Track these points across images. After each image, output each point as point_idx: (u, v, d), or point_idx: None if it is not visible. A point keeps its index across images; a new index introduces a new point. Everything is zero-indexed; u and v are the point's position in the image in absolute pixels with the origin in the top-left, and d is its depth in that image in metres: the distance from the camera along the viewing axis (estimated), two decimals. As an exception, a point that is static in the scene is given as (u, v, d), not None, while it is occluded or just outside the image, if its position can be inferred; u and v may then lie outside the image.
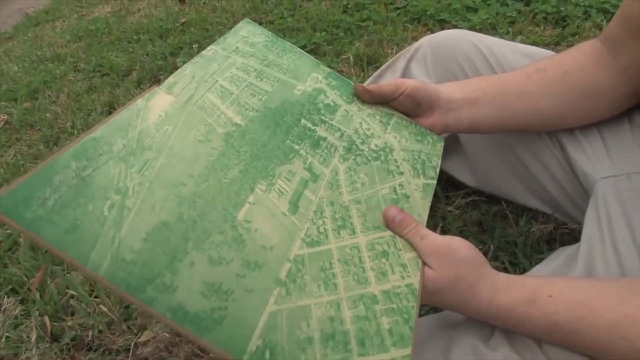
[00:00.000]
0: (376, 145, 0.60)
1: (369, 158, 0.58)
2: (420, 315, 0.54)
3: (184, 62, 1.69)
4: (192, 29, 1.94)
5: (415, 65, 0.86)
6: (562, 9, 1.73)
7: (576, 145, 0.72)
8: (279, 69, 0.66)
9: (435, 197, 0.95)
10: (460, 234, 0.88)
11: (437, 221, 0.91)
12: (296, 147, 0.57)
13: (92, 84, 1.85)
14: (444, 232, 0.88)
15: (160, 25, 2.08)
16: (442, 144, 0.64)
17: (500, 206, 0.91)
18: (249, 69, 0.64)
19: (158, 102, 0.55)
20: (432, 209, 0.93)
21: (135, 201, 0.44)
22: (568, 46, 1.57)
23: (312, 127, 0.60)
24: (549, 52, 0.80)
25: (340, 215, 0.52)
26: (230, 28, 1.90)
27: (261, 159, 0.54)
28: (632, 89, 0.66)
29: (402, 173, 0.58)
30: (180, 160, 0.50)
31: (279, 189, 0.52)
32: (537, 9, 1.75)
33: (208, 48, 0.66)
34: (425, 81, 0.69)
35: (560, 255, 0.66)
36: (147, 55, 1.88)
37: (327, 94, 0.65)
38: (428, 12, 1.70)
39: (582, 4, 1.73)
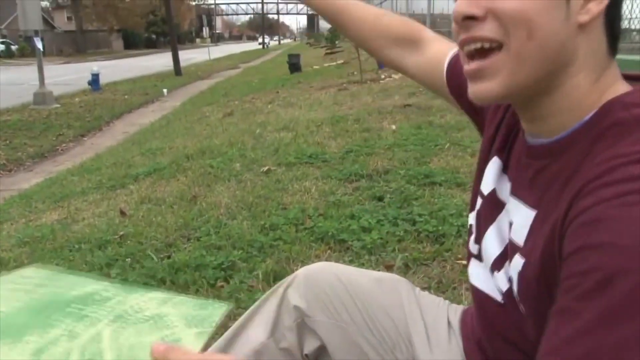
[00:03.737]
0: (148, 315, 0.60)
1: (138, 322, 0.59)
2: None
3: (117, 275, 1.93)
4: (128, 241, 2.21)
5: (291, 291, 1.13)
6: (440, 227, 2.12)
7: (419, 345, 0.98)
8: None
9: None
10: None
11: None
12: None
13: (31, 291, 2.02)
14: None
15: (100, 236, 2.35)
16: (225, 309, 0.64)
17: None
18: None
19: None
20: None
21: None
22: (442, 261, 1.92)
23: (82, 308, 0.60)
24: (397, 277, 1.10)
25: None
26: (163, 242, 2.16)
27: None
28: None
29: (175, 327, 0.59)
30: None
31: None
32: (421, 227, 2.14)
33: None
34: None
35: None
36: (86, 264, 2.10)
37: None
38: (329, 233, 2.06)
39: (455, 224, 2.13)
